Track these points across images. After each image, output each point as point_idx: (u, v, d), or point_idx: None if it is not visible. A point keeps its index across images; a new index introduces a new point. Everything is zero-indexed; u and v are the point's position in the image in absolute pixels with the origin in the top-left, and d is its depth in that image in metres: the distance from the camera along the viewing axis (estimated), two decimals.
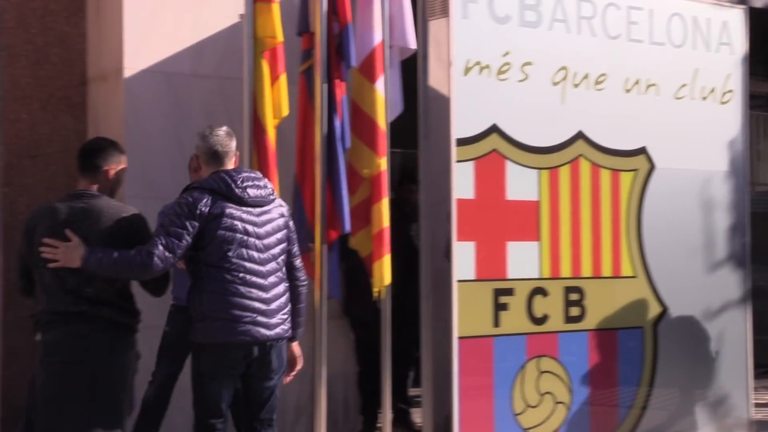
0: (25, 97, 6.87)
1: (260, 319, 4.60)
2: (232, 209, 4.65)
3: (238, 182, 4.71)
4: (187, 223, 4.56)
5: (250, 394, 4.68)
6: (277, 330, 4.68)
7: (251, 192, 4.73)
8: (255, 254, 4.65)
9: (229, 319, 4.56)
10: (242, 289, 4.59)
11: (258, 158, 5.85)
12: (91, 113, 6.99)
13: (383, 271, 6.08)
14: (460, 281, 6.09)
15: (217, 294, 4.58)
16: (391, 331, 6.22)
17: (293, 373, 4.99)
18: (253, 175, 4.83)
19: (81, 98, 6.98)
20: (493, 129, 6.29)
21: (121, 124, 6.56)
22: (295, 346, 4.96)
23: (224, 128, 4.90)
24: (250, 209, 4.70)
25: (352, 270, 6.62)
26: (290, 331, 4.79)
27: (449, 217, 6.11)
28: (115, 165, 4.75)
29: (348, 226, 6.04)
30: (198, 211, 4.59)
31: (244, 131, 5.79)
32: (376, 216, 6.07)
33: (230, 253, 4.60)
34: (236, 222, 4.65)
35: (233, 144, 4.88)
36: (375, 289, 6.12)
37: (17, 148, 6.80)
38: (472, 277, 6.17)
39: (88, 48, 7.03)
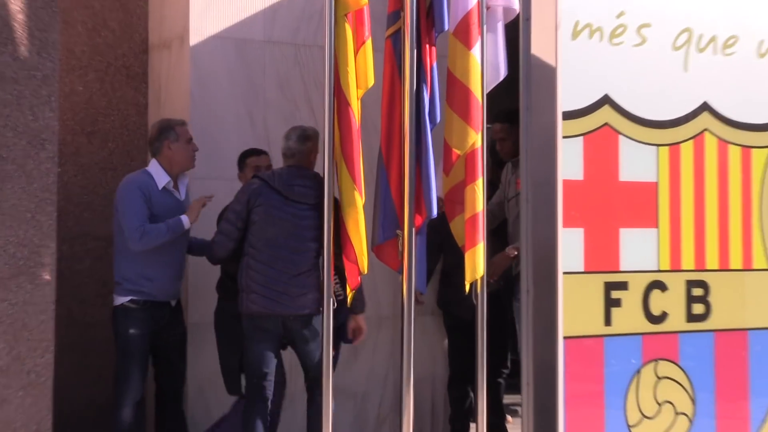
0: (81, 67, 6.86)
1: (284, 297, 5.77)
2: (276, 201, 5.79)
3: (290, 179, 5.86)
4: (240, 208, 5.83)
5: (298, 357, 5.97)
6: (298, 306, 5.80)
7: (298, 190, 5.83)
8: (291, 243, 5.80)
9: (259, 293, 5.75)
10: (272, 270, 5.76)
11: (341, 134, 5.64)
12: (153, 84, 6.92)
13: (476, 262, 5.86)
14: (566, 273, 5.91)
15: (254, 271, 5.77)
16: (489, 331, 6.02)
17: (358, 340, 6.25)
18: (307, 173, 5.90)
19: (142, 68, 6.98)
20: (605, 100, 6.11)
21: (185, 96, 6.45)
22: (359, 318, 6.19)
23: (299, 131, 5.99)
24: (296, 204, 5.82)
25: (451, 260, 6.49)
26: (313, 309, 5.87)
27: (554, 200, 5.98)
28: (254, 166, 6.29)
29: (434, 211, 5.80)
30: (247, 198, 5.82)
31: (325, 104, 5.60)
32: (469, 199, 5.87)
33: (267, 238, 5.77)
34: (276, 211, 5.79)
35: (306, 145, 6.00)
36: (467, 282, 5.89)
37: (72, 123, 6.78)
38: (579, 269, 5.99)
39: (150, 12, 6.97)
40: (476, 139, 5.86)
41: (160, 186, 5.93)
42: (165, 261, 5.91)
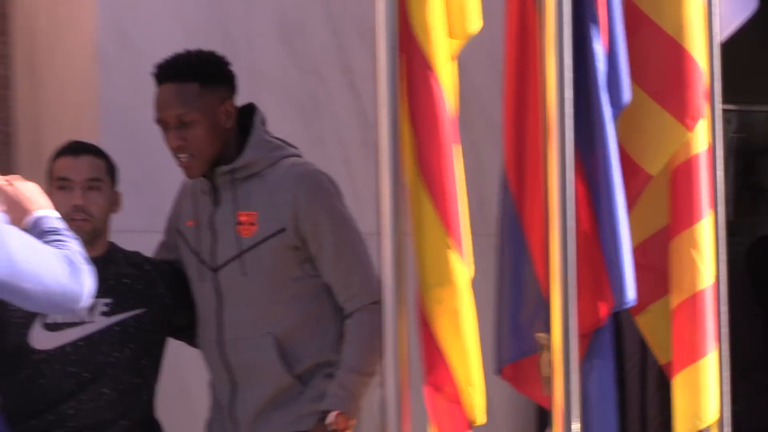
0: None
1: None
2: None
3: None
4: None
5: None
6: None
7: None
8: None
9: None
10: None
11: (414, 128, 3.74)
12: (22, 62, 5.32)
13: (700, 397, 3.92)
14: None
15: None
16: None
17: None
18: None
19: None
20: None
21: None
22: None
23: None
24: None
25: None
26: None
27: None
28: None
29: (631, 292, 3.95)
30: None
31: (378, 67, 3.75)
32: (684, 262, 4.03)
33: None
34: None
35: None
36: None
37: None
38: None
39: None
40: (693, 138, 4.08)
41: None
42: None
